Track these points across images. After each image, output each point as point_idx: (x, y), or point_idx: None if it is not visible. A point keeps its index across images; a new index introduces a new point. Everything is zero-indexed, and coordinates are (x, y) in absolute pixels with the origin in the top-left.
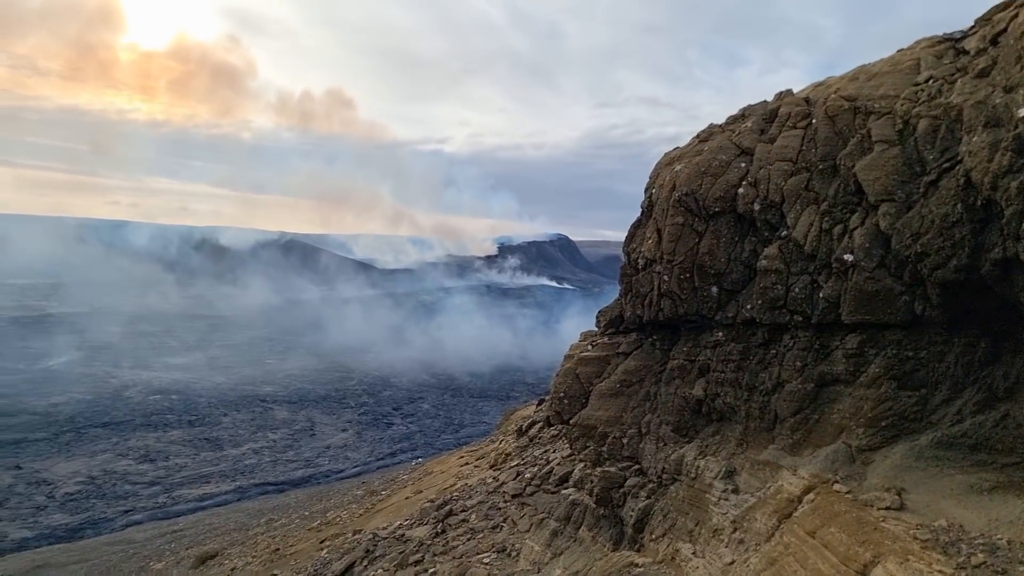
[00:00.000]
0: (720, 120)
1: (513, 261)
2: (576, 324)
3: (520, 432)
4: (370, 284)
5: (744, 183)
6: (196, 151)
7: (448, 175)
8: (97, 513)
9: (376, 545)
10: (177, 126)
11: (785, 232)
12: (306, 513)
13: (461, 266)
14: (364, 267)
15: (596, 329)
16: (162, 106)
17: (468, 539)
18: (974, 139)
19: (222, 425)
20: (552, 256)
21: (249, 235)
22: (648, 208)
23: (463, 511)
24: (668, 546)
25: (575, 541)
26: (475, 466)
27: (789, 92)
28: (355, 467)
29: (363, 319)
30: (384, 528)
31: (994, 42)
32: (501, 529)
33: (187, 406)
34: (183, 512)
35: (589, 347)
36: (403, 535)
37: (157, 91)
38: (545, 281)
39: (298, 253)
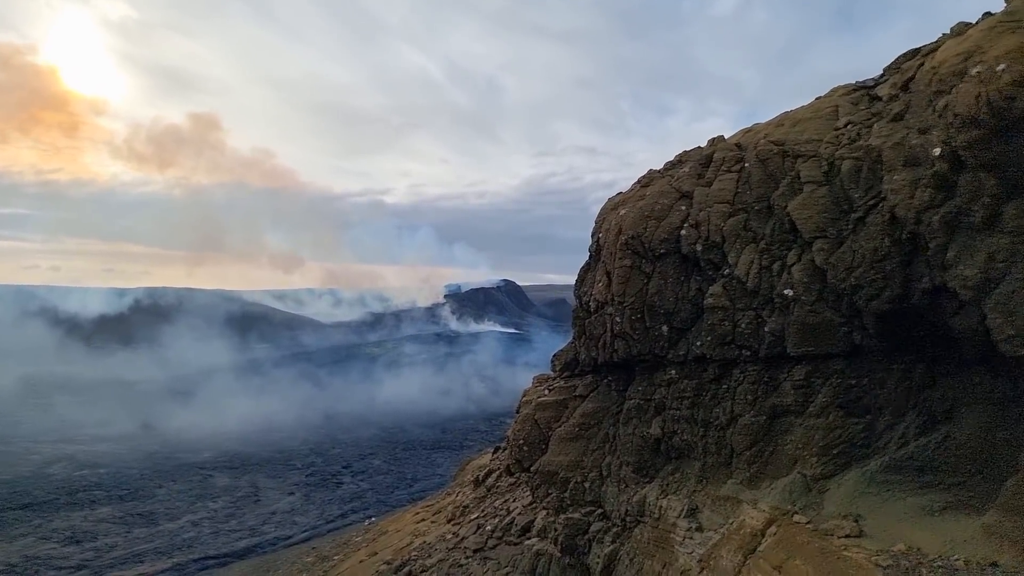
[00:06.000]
0: (655, 166)
1: (461, 308)
2: (528, 369)
3: (477, 482)
4: (310, 339)
5: (686, 225)
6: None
7: (379, 224)
8: None
9: None
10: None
11: (728, 270)
12: None
13: (408, 316)
14: (302, 322)
15: (550, 373)
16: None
17: None
18: (895, 177)
19: (156, 498)
20: (500, 302)
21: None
22: (596, 252)
23: (423, 571)
24: None
25: None
26: (432, 521)
27: (721, 138)
28: (304, 532)
29: (309, 375)
30: None
31: (905, 88)
32: None
33: (117, 480)
34: None
35: (546, 391)
36: None
37: None
38: (494, 327)
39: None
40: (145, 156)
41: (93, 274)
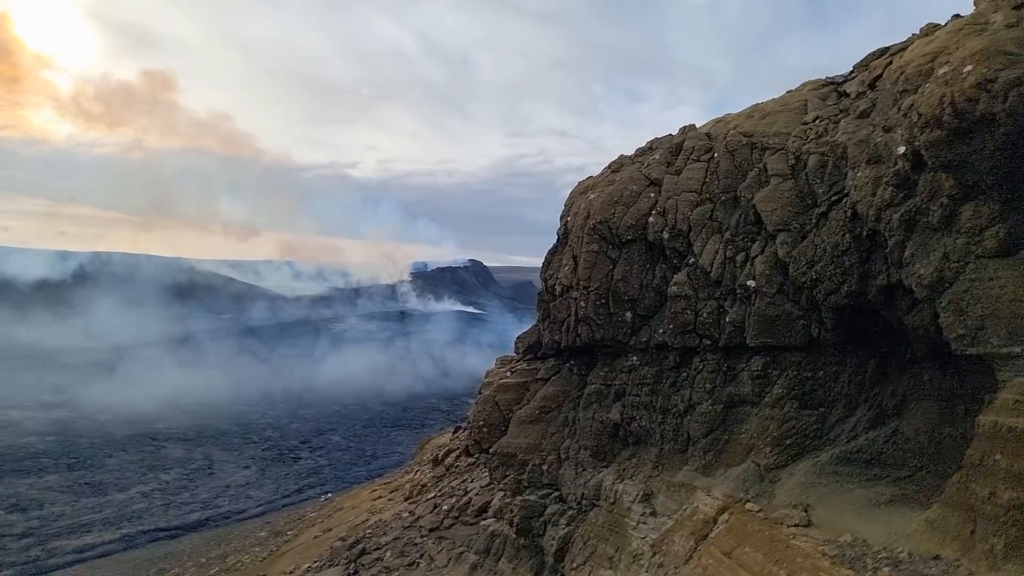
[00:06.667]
0: (626, 151)
1: (422, 287)
2: (479, 349)
3: (436, 461)
4: (263, 312)
5: (654, 212)
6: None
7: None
8: None
9: None
10: None
11: (693, 259)
12: (203, 560)
13: (368, 292)
14: (256, 293)
15: (513, 355)
16: None
17: None
18: (858, 174)
19: (106, 467)
20: (465, 282)
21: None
22: (564, 235)
23: (377, 549)
24: (589, 574)
25: (495, 574)
26: (389, 499)
27: (692, 127)
28: (258, 506)
29: (256, 349)
30: (290, 572)
31: (872, 86)
32: (418, 566)
33: (66, 448)
34: (60, 566)
35: (508, 373)
36: None
37: None
38: (454, 306)
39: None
40: (94, 113)
41: (46, 236)
